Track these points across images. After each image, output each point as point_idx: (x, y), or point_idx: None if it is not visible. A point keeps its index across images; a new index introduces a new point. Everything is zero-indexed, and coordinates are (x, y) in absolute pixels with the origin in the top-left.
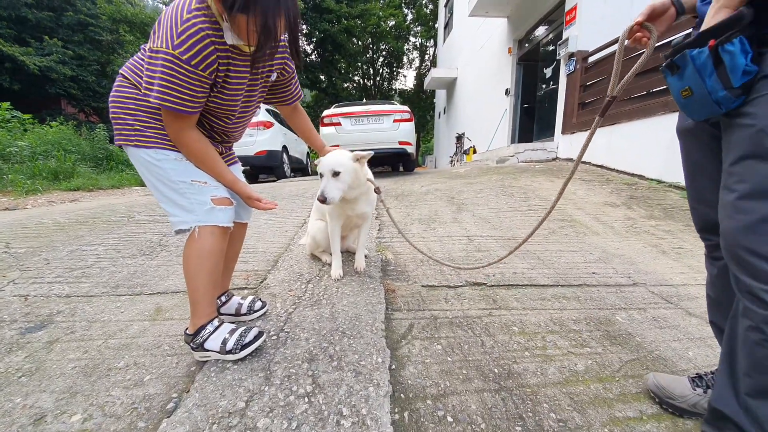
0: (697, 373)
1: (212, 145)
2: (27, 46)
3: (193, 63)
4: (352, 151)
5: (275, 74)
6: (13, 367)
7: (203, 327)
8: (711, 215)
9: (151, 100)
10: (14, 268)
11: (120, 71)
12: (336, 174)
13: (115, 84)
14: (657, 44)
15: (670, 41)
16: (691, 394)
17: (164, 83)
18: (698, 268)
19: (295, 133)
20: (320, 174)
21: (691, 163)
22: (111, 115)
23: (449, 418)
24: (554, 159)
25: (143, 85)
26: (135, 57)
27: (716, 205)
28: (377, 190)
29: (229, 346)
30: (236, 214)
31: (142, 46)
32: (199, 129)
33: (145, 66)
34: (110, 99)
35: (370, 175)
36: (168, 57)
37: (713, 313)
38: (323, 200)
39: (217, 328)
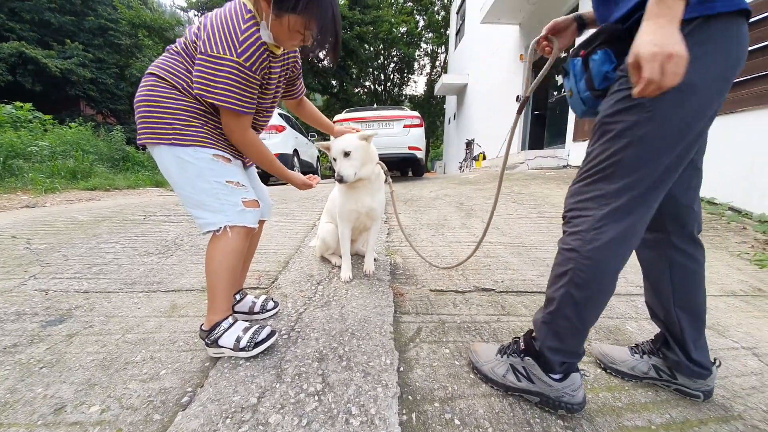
0: (635, 344)
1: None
2: (49, 48)
3: (253, 69)
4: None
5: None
6: (35, 358)
7: (218, 324)
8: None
9: (216, 102)
10: (35, 263)
11: (150, 71)
12: (347, 154)
13: (147, 84)
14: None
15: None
16: (629, 359)
17: (230, 88)
18: (710, 279)
19: (306, 136)
20: (332, 159)
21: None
22: (141, 114)
23: (457, 421)
24: (565, 166)
25: (195, 86)
26: (165, 59)
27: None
28: (386, 172)
29: (243, 343)
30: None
31: (169, 47)
32: None
33: (199, 69)
34: (141, 97)
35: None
36: (233, 64)
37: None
38: (340, 179)
39: (231, 325)
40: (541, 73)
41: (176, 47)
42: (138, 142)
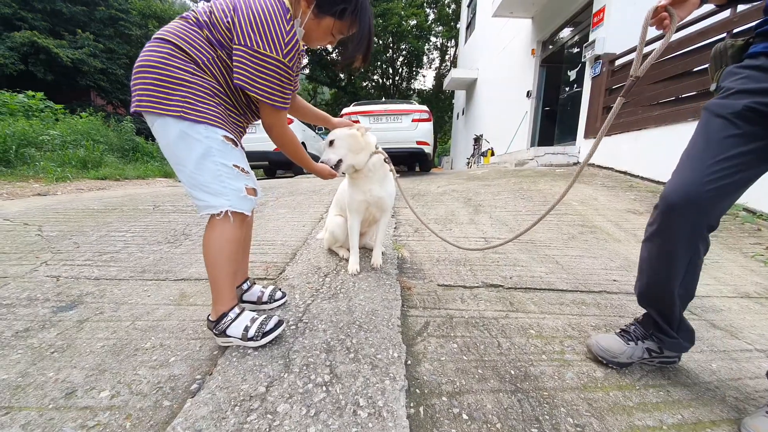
0: (621, 329)
1: (241, 128)
2: (61, 38)
3: (293, 67)
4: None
5: None
6: (46, 343)
7: (225, 314)
8: (718, 196)
9: (260, 99)
10: (46, 250)
11: (163, 37)
12: (331, 143)
13: (161, 50)
14: (677, 31)
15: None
16: (626, 348)
17: (274, 84)
18: (724, 280)
19: (314, 129)
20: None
21: (716, 148)
22: (147, 80)
23: (464, 416)
24: (575, 164)
25: (237, 79)
26: (182, 28)
27: (730, 188)
28: (387, 160)
29: (251, 333)
30: None
31: (186, 15)
32: (251, 115)
33: (243, 63)
34: (151, 63)
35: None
36: (279, 64)
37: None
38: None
39: (238, 315)
40: (657, 47)
41: (195, 17)
42: (135, 108)
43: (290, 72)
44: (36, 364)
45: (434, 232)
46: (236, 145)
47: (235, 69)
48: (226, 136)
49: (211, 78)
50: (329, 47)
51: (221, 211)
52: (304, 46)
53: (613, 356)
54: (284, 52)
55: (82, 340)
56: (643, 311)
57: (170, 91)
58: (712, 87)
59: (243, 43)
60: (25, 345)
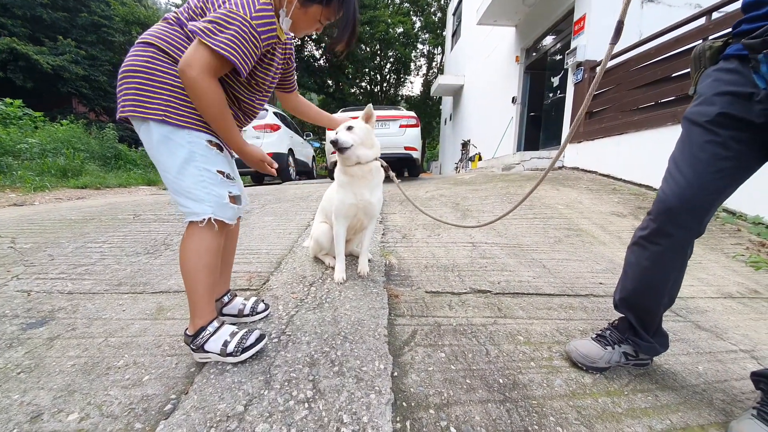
0: (597, 334)
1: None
2: (41, 45)
3: (260, 32)
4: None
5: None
6: (13, 363)
7: (203, 328)
8: (709, 201)
9: (210, 44)
10: (19, 263)
11: (147, 41)
12: (350, 128)
13: (144, 54)
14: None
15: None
16: (604, 353)
17: (234, 39)
18: (707, 281)
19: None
20: (332, 141)
21: (700, 155)
22: (132, 85)
23: (452, 429)
24: (561, 167)
25: (193, 25)
26: (164, 29)
27: (718, 192)
28: (386, 168)
29: (230, 348)
30: None
31: (167, 16)
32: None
33: (209, 19)
34: (135, 67)
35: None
36: (245, 22)
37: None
38: (335, 142)
39: (217, 329)
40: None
41: (176, 16)
42: (120, 114)
43: (255, 35)
44: (0, 386)
45: (421, 209)
46: (221, 150)
47: (200, 23)
48: (210, 141)
49: None
50: (316, 54)
51: (203, 219)
52: (289, 47)
53: (591, 362)
54: (254, 16)
55: (51, 358)
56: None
57: (152, 95)
58: (691, 90)
59: (214, 9)
60: None
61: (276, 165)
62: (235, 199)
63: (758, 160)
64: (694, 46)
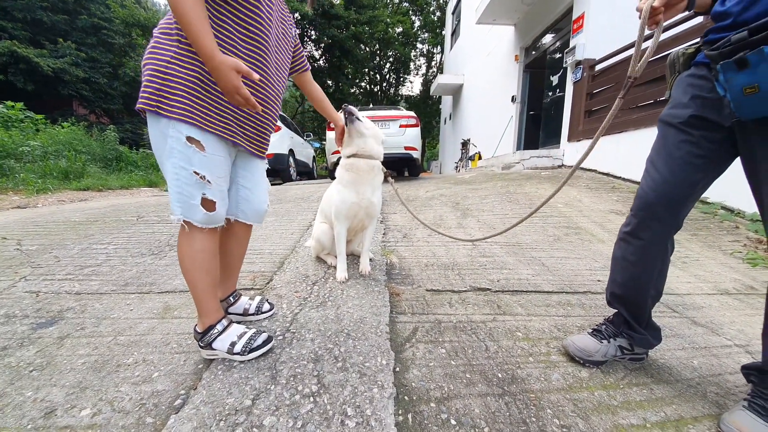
0: (593, 328)
1: (244, 131)
2: (41, 48)
3: None
4: None
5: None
6: (25, 361)
7: (212, 326)
8: (683, 195)
9: None
10: (26, 264)
11: (160, 26)
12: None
13: (154, 41)
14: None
15: (710, 40)
16: (600, 347)
17: None
18: (704, 278)
19: (302, 136)
20: (343, 108)
21: (675, 153)
22: (143, 75)
23: (453, 421)
24: (560, 166)
25: None
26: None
27: (692, 187)
28: (386, 174)
29: (237, 348)
30: (243, 214)
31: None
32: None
33: None
34: (146, 58)
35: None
36: None
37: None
38: (350, 113)
39: (225, 328)
40: (650, 48)
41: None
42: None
43: None
44: (14, 384)
45: (418, 218)
46: (204, 148)
47: None
48: (190, 137)
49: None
50: (316, 54)
51: (178, 219)
52: (287, 15)
53: (588, 355)
54: None
55: (62, 357)
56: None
57: (148, 84)
58: (666, 94)
59: None
60: (2, 364)
61: (258, 106)
62: (208, 204)
63: (729, 157)
64: (695, 44)
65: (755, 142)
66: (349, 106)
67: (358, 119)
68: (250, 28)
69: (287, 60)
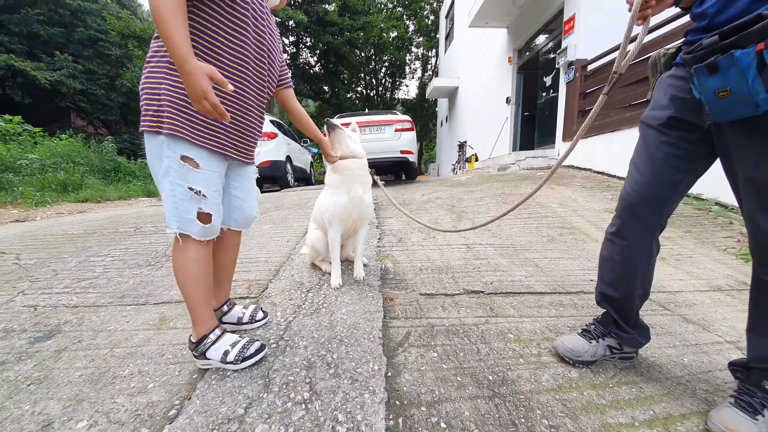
0: (583, 329)
1: (232, 141)
2: (38, 61)
3: None
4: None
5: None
6: (23, 375)
7: (206, 336)
8: (665, 195)
9: None
10: (24, 279)
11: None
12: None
13: (147, 66)
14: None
15: (690, 42)
16: (589, 347)
17: None
18: (697, 275)
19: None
20: (325, 122)
21: (656, 155)
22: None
23: (443, 424)
24: None
25: None
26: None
27: (674, 187)
28: (373, 174)
29: (230, 357)
30: (234, 222)
31: None
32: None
33: None
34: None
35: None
36: None
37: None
38: (331, 125)
39: (218, 337)
40: (636, 44)
41: None
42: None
43: None
44: (12, 398)
45: (408, 214)
46: (198, 165)
47: None
48: (184, 156)
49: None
50: (311, 60)
51: (173, 231)
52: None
53: (577, 355)
54: None
55: (59, 370)
56: (602, 311)
57: (147, 107)
58: (649, 95)
59: None
60: (1, 379)
61: (227, 115)
62: (204, 217)
63: (709, 157)
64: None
65: (730, 144)
66: (329, 120)
67: (338, 127)
68: (235, 33)
69: (275, 69)
